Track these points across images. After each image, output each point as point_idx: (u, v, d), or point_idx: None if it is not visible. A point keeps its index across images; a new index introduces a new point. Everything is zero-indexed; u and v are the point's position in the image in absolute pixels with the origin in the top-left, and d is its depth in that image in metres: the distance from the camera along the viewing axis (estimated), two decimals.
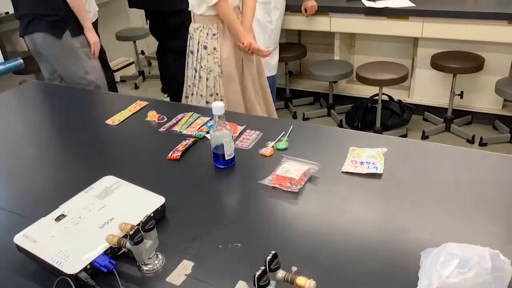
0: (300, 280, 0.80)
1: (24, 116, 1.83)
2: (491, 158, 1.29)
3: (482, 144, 3.06)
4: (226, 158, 1.30)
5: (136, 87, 4.54)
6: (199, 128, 1.55)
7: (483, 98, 3.24)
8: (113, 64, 4.59)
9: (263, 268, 0.79)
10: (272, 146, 1.39)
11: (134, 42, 4.63)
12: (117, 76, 4.63)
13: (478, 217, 1.06)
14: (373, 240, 1.01)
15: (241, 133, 1.48)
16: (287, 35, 3.80)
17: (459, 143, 3.12)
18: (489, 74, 3.10)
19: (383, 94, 3.15)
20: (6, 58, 3.42)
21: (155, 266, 0.97)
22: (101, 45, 2.82)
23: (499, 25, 2.80)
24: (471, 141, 3.09)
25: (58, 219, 1.04)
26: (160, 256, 0.99)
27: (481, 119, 3.30)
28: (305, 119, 3.60)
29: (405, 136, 3.23)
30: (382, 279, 0.90)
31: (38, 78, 2.73)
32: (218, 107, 1.24)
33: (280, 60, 3.59)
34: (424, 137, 3.18)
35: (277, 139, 1.43)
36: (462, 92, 3.16)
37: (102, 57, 3.02)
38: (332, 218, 1.09)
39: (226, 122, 1.27)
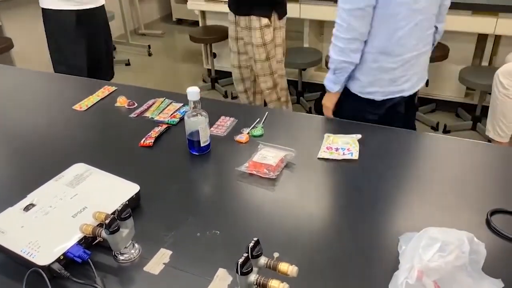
0: (283, 266, 0.79)
1: None
2: (459, 143, 1.33)
3: (446, 131, 3.16)
4: (202, 145, 1.27)
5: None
6: (171, 114, 1.51)
7: (447, 86, 3.33)
8: None
9: (245, 255, 0.78)
10: (248, 133, 1.38)
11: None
12: None
13: (451, 201, 1.09)
14: (350, 225, 1.02)
15: (216, 120, 1.45)
16: None
17: (423, 130, 3.20)
18: (453, 63, 3.19)
19: None
20: None
21: (131, 256, 0.94)
22: None
23: (463, 15, 2.88)
24: (435, 128, 3.18)
25: (26, 208, 0.99)
26: (136, 245, 0.96)
27: (445, 106, 3.40)
28: None
29: None
30: (362, 263, 0.91)
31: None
32: (193, 92, 1.21)
33: None
34: None
35: (252, 126, 1.42)
36: (427, 80, 3.22)
37: None
38: (310, 203, 1.09)
39: (201, 108, 1.24)
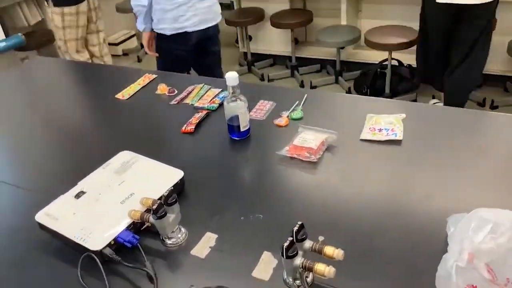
0: (328, 249, 0.79)
1: (33, 94, 1.81)
2: (509, 120, 1.27)
3: (493, 107, 3.02)
4: (242, 129, 1.28)
5: (139, 60, 4.48)
6: (211, 100, 1.52)
7: (494, 60, 3.16)
8: (114, 37, 4.53)
9: (290, 239, 0.79)
10: (287, 116, 1.37)
11: (135, 14, 4.53)
12: (119, 49, 4.56)
13: (501, 181, 1.04)
14: (396, 208, 1.00)
15: (254, 104, 1.45)
16: (291, 1, 3.71)
17: (469, 106, 3.08)
18: (501, 35, 3.02)
19: (392, 59, 3.09)
20: (7, 34, 3.37)
21: (178, 240, 0.97)
22: None
23: None
24: (482, 104, 3.05)
25: (77, 196, 1.04)
26: (183, 230, 0.98)
27: (493, 81, 3.25)
28: (312, 87, 3.55)
29: (415, 101, 3.19)
30: (408, 246, 0.90)
31: (40, 54, 2.68)
32: (232, 77, 1.21)
33: (285, 27, 3.53)
34: (433, 98, 3.14)
35: (292, 109, 1.40)
36: None
37: None
38: (353, 187, 1.08)
39: (240, 93, 1.24)
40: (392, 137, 1.21)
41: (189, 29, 2.22)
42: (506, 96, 3.17)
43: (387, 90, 3.14)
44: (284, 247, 0.77)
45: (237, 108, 1.25)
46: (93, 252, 0.90)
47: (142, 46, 4.60)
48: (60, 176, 1.25)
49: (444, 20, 2.57)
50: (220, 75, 2.47)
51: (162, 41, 2.29)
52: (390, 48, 2.96)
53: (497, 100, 3.04)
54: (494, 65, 3.18)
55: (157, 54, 2.36)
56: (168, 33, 2.21)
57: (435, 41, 2.68)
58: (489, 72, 3.21)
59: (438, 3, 2.44)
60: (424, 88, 3.29)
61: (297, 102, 1.44)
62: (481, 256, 0.73)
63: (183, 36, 2.24)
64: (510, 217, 0.77)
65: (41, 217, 0.99)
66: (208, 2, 2.26)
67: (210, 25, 2.30)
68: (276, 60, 4.01)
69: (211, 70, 2.46)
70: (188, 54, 2.33)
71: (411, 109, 1.33)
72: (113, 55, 3.64)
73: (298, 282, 0.82)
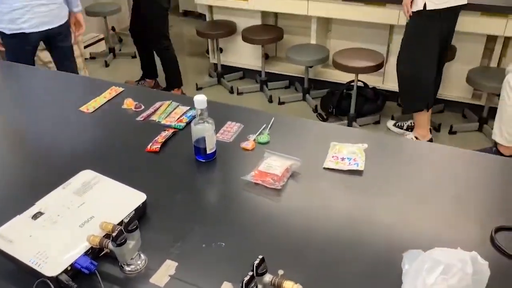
0: (287, 284, 0.81)
1: None
2: (468, 156, 1.33)
3: (452, 132, 3.15)
4: (208, 152, 1.28)
5: (107, 65, 4.41)
6: (178, 118, 1.51)
7: (454, 87, 3.31)
8: (82, 40, 4.43)
9: (250, 273, 0.79)
10: (254, 140, 1.38)
11: (105, 17, 4.47)
12: (87, 53, 4.47)
13: (456, 215, 1.09)
14: (356, 238, 1.03)
15: (222, 125, 1.46)
16: (263, 17, 3.75)
17: None
18: (461, 63, 3.17)
19: (358, 80, 3.17)
20: None
21: (138, 267, 0.95)
22: None
23: (472, 15, 2.85)
24: (437, 129, 3.17)
25: (35, 216, 1.01)
26: (142, 256, 0.97)
27: (452, 107, 3.38)
28: (280, 103, 3.59)
29: (378, 122, 3.28)
30: (367, 279, 0.92)
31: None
32: (200, 100, 1.21)
33: (256, 42, 3.56)
34: (395, 124, 3.24)
35: (259, 132, 1.42)
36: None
37: None
38: (315, 216, 1.10)
39: (208, 115, 1.25)
40: (354, 167, 1.24)
41: (27, 31, 2.42)
42: (464, 122, 3.31)
43: (352, 110, 3.21)
44: (244, 282, 0.77)
45: (204, 130, 1.25)
46: (49, 278, 0.88)
47: (110, 50, 4.54)
48: (16, 195, 1.21)
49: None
50: (72, 69, 2.71)
51: (3, 38, 2.47)
52: (356, 71, 3.04)
53: (455, 125, 3.17)
54: (454, 92, 3.33)
55: (3, 49, 2.53)
56: (7, 32, 2.41)
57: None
58: (448, 98, 3.36)
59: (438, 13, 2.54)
60: (386, 109, 3.40)
61: (264, 125, 1.45)
62: None
63: (22, 36, 2.43)
64: (461, 257, 0.81)
65: None
66: (48, 7, 2.44)
67: (51, 26, 2.49)
68: (246, 73, 4.04)
69: (61, 63, 2.71)
70: (30, 50, 2.54)
71: (373, 138, 1.37)
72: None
73: None
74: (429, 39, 2.64)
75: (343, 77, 3.46)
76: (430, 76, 2.78)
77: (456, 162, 1.30)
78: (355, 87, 3.14)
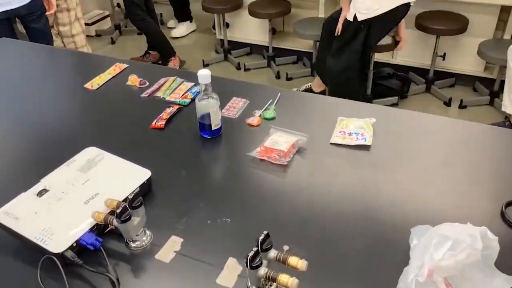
0: (292, 260, 0.79)
1: None
2: (480, 130, 1.30)
3: (462, 106, 3.09)
4: (213, 128, 1.26)
5: (113, 42, 4.37)
6: (183, 94, 1.49)
7: (466, 60, 3.23)
8: (87, 17, 4.39)
9: (255, 249, 0.78)
10: (260, 115, 1.36)
11: None
12: (92, 30, 4.43)
13: (466, 190, 1.07)
14: (362, 214, 1.01)
15: (227, 101, 1.43)
16: None
17: (437, 105, 3.14)
18: (473, 36, 3.08)
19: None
20: None
21: (143, 243, 0.95)
22: None
23: None
24: (447, 103, 3.11)
25: (40, 194, 1.01)
26: (148, 232, 0.97)
27: (464, 81, 3.32)
28: (288, 79, 3.55)
29: (396, 104, 3.19)
30: (373, 255, 0.91)
31: None
32: (204, 75, 1.19)
33: (263, 16, 3.49)
34: (403, 96, 3.18)
35: (264, 108, 1.40)
36: (444, 54, 3.15)
37: None
38: (321, 192, 1.09)
39: (212, 91, 1.22)
40: (362, 142, 1.22)
41: None
42: (474, 96, 3.25)
43: (368, 91, 3.13)
44: (249, 257, 0.77)
45: (209, 106, 1.23)
46: (54, 254, 0.88)
47: (116, 27, 4.50)
48: (21, 172, 1.21)
49: None
50: None
51: None
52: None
53: (465, 100, 3.11)
54: (464, 65, 3.25)
55: None
56: None
57: None
58: (459, 72, 3.29)
59: None
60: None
61: (270, 101, 1.43)
62: (441, 272, 0.75)
63: None
64: (470, 233, 0.79)
65: (0, 216, 0.96)
66: None
67: (12, 7, 2.47)
68: (253, 49, 3.98)
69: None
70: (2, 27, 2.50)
71: (382, 113, 1.34)
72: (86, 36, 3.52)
73: None
74: None
75: None
76: None
77: (467, 136, 1.27)
78: (371, 66, 3.04)
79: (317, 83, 3.20)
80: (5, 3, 2.45)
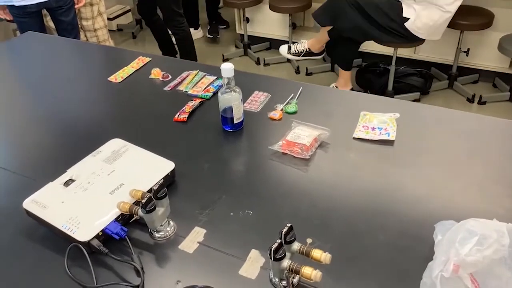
0: (316, 253, 0.80)
1: (22, 71, 1.77)
2: (503, 125, 1.27)
3: (481, 102, 3.03)
4: (235, 121, 1.27)
5: (134, 37, 4.42)
6: (205, 88, 1.50)
7: (491, 56, 3.16)
8: (109, 12, 4.44)
9: (279, 241, 0.79)
10: (282, 109, 1.36)
11: None
12: (114, 24, 4.48)
13: (490, 186, 1.05)
14: (385, 209, 1.01)
15: (249, 95, 1.44)
16: None
17: (459, 101, 3.09)
18: (498, 31, 3.01)
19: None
20: None
21: (167, 233, 0.96)
22: None
23: None
24: (471, 100, 3.06)
25: (66, 184, 1.03)
26: (171, 223, 0.98)
27: (484, 77, 3.25)
28: (308, 74, 3.53)
29: (418, 100, 3.14)
30: (396, 250, 0.91)
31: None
32: (227, 69, 1.19)
33: (283, 11, 3.48)
34: (425, 92, 3.13)
35: (286, 102, 1.39)
36: (468, 49, 3.09)
37: None
38: (344, 186, 1.08)
39: (235, 84, 1.23)
40: (385, 137, 1.21)
41: (16, 3, 2.52)
42: (494, 92, 3.18)
43: (389, 87, 3.09)
44: (272, 249, 0.77)
45: (231, 100, 1.23)
46: (81, 243, 0.90)
47: (137, 22, 4.54)
48: (48, 161, 1.23)
49: None
50: None
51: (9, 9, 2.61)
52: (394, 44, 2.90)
53: (485, 95, 3.04)
54: (485, 61, 3.19)
55: (11, 17, 2.65)
56: (17, 4, 2.53)
57: None
58: (480, 68, 3.22)
59: None
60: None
61: (292, 95, 1.43)
62: (467, 267, 0.74)
63: (19, 7, 2.54)
64: (497, 228, 0.78)
65: (28, 204, 0.98)
66: None
67: (41, 0, 2.54)
68: (273, 44, 3.97)
69: (62, 36, 2.74)
70: (31, 20, 2.63)
71: (405, 108, 1.33)
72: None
73: (284, 283, 0.83)
74: None
75: (377, 47, 3.30)
76: None
77: (491, 131, 1.25)
78: (393, 61, 3.00)
79: (316, 41, 3.11)
80: None
